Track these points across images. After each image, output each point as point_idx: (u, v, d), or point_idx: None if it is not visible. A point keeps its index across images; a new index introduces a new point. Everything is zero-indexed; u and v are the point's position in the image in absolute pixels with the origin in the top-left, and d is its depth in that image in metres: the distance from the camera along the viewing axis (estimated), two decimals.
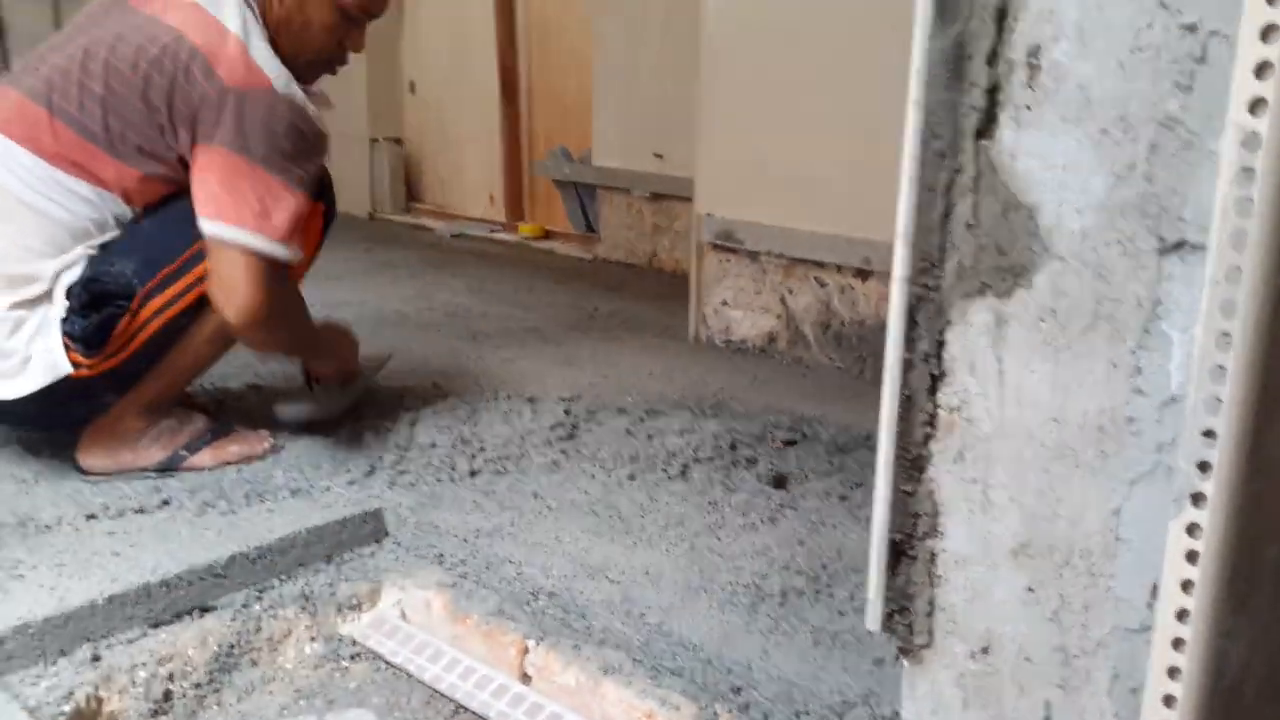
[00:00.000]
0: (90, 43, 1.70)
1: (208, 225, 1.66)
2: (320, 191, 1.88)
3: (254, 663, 1.49)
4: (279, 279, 1.71)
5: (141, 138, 1.68)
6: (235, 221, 1.65)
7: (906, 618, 0.85)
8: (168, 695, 1.38)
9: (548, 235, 4.54)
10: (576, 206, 4.37)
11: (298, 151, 1.70)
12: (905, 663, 0.86)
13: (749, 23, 2.65)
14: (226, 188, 1.65)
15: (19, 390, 1.66)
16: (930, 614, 0.84)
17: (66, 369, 1.66)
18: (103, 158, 1.68)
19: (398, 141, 5.01)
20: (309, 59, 1.83)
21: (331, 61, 1.89)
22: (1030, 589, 0.78)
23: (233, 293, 1.66)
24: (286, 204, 1.68)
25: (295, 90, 1.71)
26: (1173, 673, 0.70)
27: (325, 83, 1.95)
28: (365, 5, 1.85)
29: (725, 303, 2.83)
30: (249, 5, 1.74)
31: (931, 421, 0.83)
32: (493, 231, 4.63)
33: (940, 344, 0.82)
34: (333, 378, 2.05)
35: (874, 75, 2.40)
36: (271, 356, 2.17)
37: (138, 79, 1.66)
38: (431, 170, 5.07)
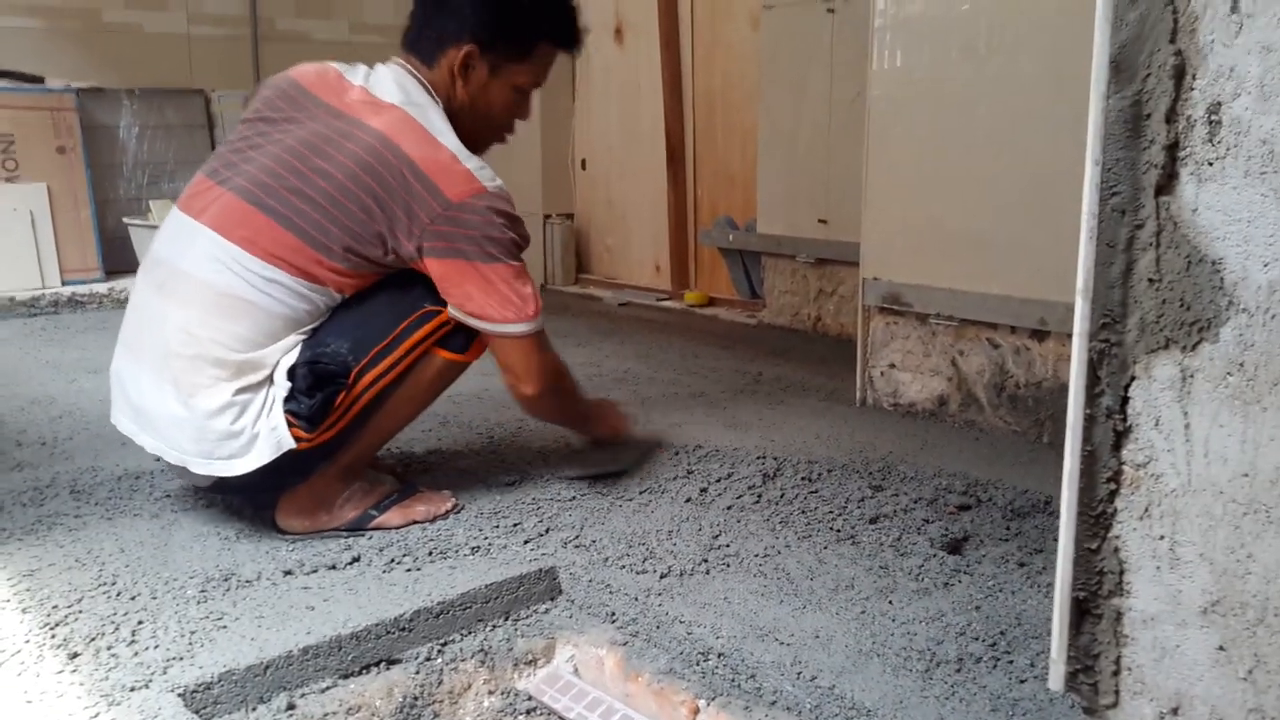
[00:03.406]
0: (295, 143, 1.81)
1: (483, 325, 1.85)
2: None
3: (436, 714, 1.54)
4: (547, 348, 1.93)
5: (355, 240, 1.78)
6: (502, 319, 1.84)
7: (1091, 677, 0.83)
8: None
9: (712, 302, 4.60)
10: (741, 273, 4.42)
11: (515, 234, 1.84)
12: None
13: (914, 87, 2.66)
14: (485, 291, 1.82)
15: (248, 467, 1.77)
16: (1116, 673, 0.81)
17: (290, 444, 1.76)
18: (315, 256, 1.78)
19: (569, 216, 5.18)
20: (486, 136, 1.98)
21: (504, 132, 2.03)
22: (1222, 648, 0.76)
23: (526, 375, 1.90)
24: (525, 282, 1.86)
25: (499, 181, 1.83)
26: None
27: (501, 166, 2.08)
28: (537, 80, 1.98)
29: (893, 365, 2.81)
30: (438, 102, 1.86)
31: (1115, 478, 0.81)
32: (659, 300, 4.72)
33: (1124, 399, 0.81)
34: (608, 438, 2.29)
35: (1044, 135, 2.38)
36: (554, 423, 2.30)
37: (354, 186, 1.76)
38: (600, 242, 5.21)
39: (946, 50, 2.58)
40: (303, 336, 1.82)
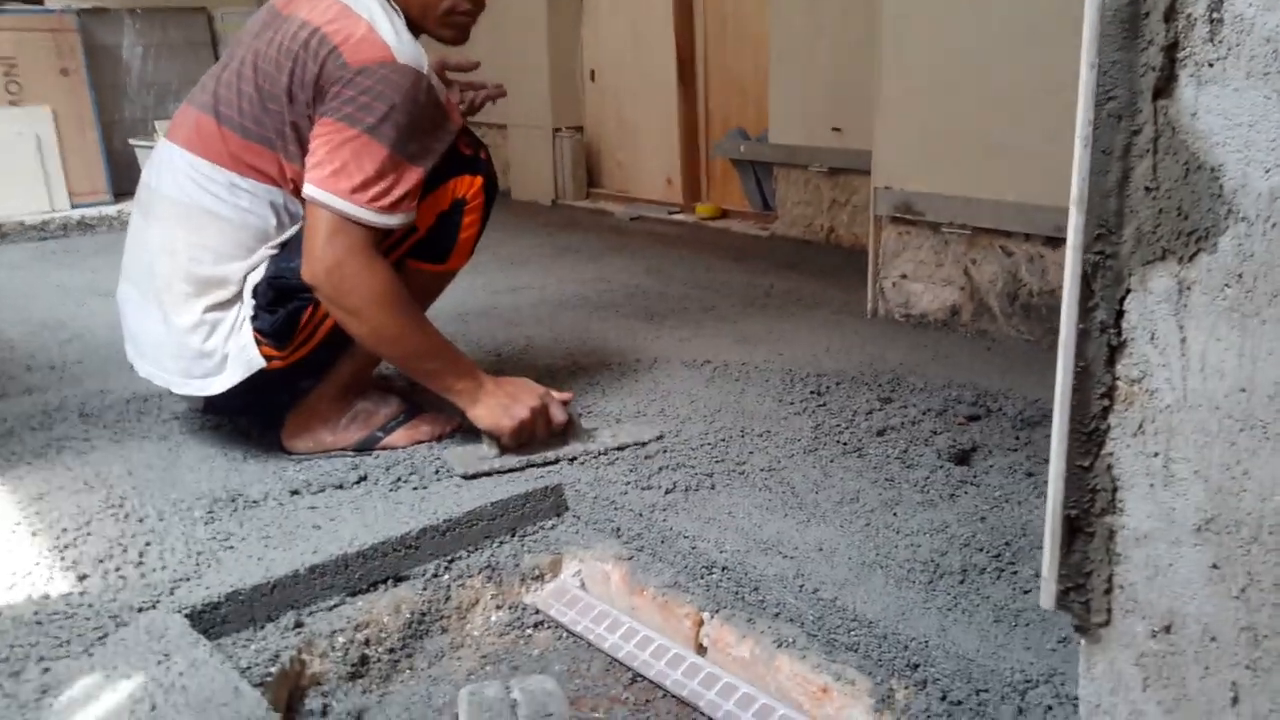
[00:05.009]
0: (247, 53, 1.78)
1: (306, 188, 1.69)
2: (476, 166, 1.90)
3: (444, 630, 1.56)
4: (364, 249, 1.69)
5: (291, 129, 1.74)
6: (320, 183, 1.67)
7: (1083, 595, 0.82)
8: (364, 660, 1.46)
9: (724, 215, 4.55)
10: (754, 185, 4.36)
11: (413, 122, 1.69)
12: (1082, 642, 0.84)
13: None
14: (331, 154, 1.67)
15: (220, 387, 1.79)
16: (1108, 592, 0.81)
17: (260, 364, 1.76)
18: (265, 154, 1.76)
19: (579, 129, 5.10)
20: (434, 15, 1.83)
21: (454, 11, 1.85)
22: (1215, 566, 0.75)
23: (309, 255, 1.68)
24: (387, 172, 1.68)
25: (421, 63, 1.71)
26: None
27: (508, 78, 1.97)
28: None
29: (905, 276, 2.77)
30: None
31: (1109, 394, 0.79)
32: (670, 213, 4.67)
33: (1119, 313, 0.79)
34: (487, 430, 1.84)
35: (1060, 37, 2.31)
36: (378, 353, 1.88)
37: (281, 75, 1.72)
38: (611, 155, 5.14)
39: None
40: (272, 251, 1.80)
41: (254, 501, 1.72)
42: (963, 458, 1.85)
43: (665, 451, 1.89)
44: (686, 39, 4.61)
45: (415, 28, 1.82)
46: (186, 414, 2.11)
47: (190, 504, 1.70)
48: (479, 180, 1.90)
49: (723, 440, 1.94)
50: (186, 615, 1.38)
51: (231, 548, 1.56)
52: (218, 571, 1.48)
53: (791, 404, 2.13)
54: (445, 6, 1.84)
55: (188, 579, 1.46)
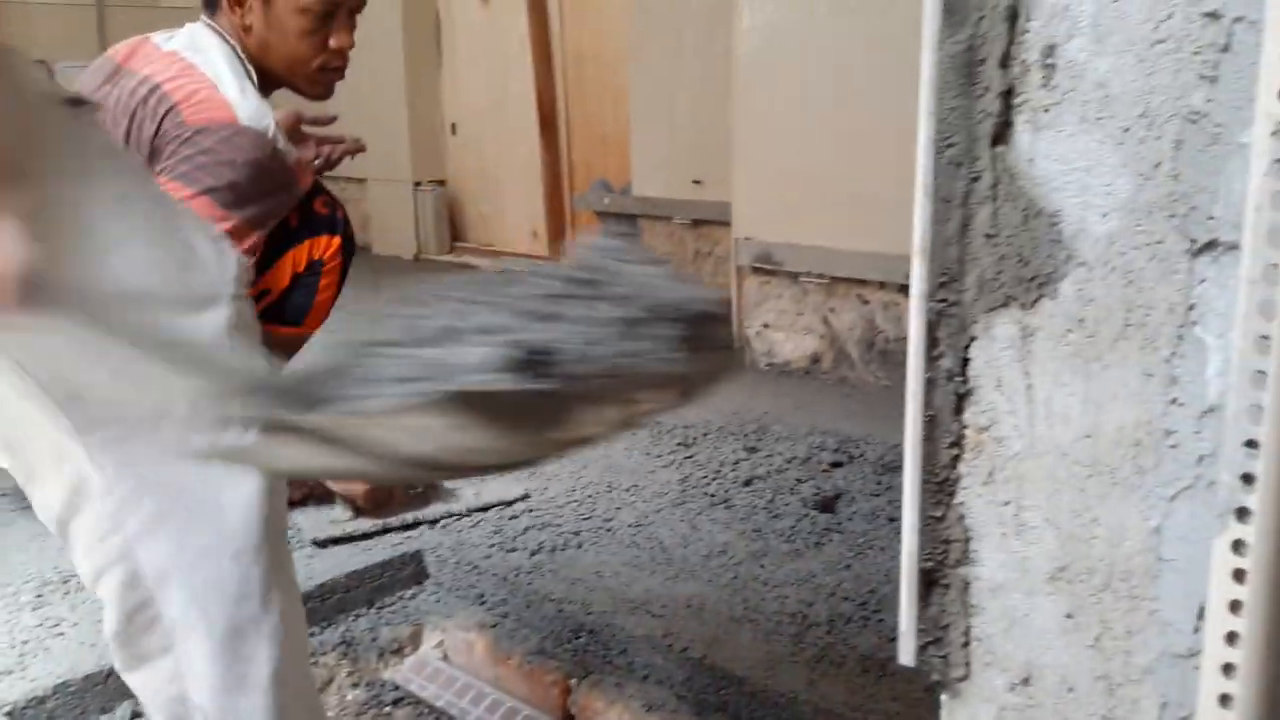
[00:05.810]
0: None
1: None
2: (334, 226, 1.85)
3: None
4: None
5: None
6: None
7: (942, 649, 0.80)
8: None
9: None
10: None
11: (253, 184, 1.61)
12: (943, 697, 0.82)
13: (781, 43, 2.63)
14: None
15: None
16: (966, 645, 0.79)
17: None
18: None
19: (441, 183, 5.04)
20: (304, 72, 1.76)
21: (326, 68, 1.78)
22: (1070, 615, 0.74)
23: None
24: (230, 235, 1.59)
25: (265, 123, 1.63)
26: (1224, 700, 0.65)
27: (366, 132, 1.93)
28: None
29: (767, 325, 2.79)
30: (229, 45, 1.70)
31: (958, 442, 0.78)
32: None
33: (965, 360, 0.78)
34: (343, 493, 1.79)
35: (904, 85, 2.36)
36: None
37: (116, 131, 1.63)
38: (474, 208, 5.09)
39: (815, 4, 2.55)
40: None
41: None
42: (827, 505, 1.85)
43: (531, 511, 1.84)
44: (548, 91, 4.62)
45: (275, 83, 1.75)
46: (15, 490, 1.97)
47: (17, 588, 1.58)
48: (336, 241, 1.84)
49: (590, 496, 1.90)
50: (7, 715, 1.27)
51: (62, 634, 1.45)
52: (45, 661, 1.38)
53: (659, 456, 2.11)
54: (318, 63, 1.76)
55: (10, 672, 1.35)
